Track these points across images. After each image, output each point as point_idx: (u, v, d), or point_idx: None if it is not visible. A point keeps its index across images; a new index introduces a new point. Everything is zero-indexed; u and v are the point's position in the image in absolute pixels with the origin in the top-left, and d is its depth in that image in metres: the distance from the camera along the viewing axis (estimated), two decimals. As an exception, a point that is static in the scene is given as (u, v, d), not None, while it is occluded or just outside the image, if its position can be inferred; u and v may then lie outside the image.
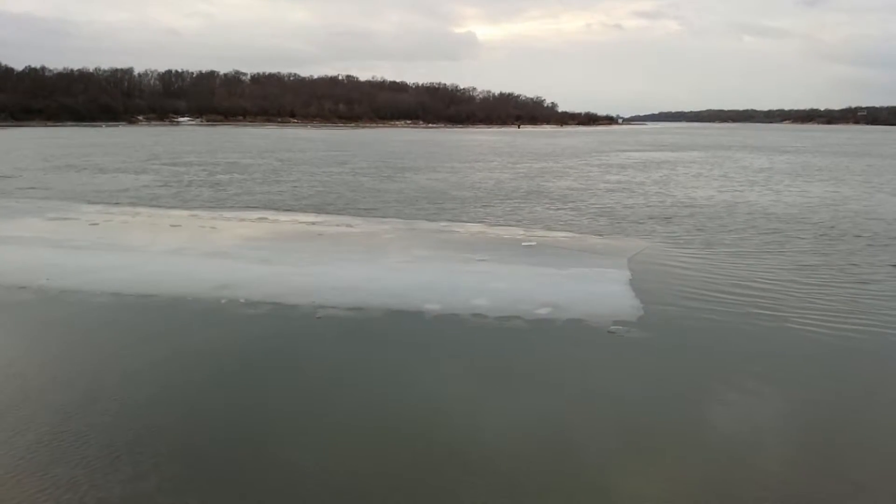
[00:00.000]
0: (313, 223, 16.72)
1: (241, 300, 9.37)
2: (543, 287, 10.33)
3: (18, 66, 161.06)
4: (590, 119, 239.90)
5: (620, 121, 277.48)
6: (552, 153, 53.61)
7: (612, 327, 8.48)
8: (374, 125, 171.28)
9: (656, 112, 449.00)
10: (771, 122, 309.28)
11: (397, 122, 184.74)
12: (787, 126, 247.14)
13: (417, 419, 6.03)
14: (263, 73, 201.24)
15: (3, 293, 9.70)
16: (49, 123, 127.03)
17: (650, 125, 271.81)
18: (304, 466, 5.14)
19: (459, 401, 6.44)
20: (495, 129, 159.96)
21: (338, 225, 16.51)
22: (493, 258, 12.44)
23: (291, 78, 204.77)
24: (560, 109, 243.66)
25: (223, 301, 9.35)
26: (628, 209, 19.98)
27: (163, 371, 6.94)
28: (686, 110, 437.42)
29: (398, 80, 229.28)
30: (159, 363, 7.15)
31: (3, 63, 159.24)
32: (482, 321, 8.69)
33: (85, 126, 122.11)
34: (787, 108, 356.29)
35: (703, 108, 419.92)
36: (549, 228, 16.44)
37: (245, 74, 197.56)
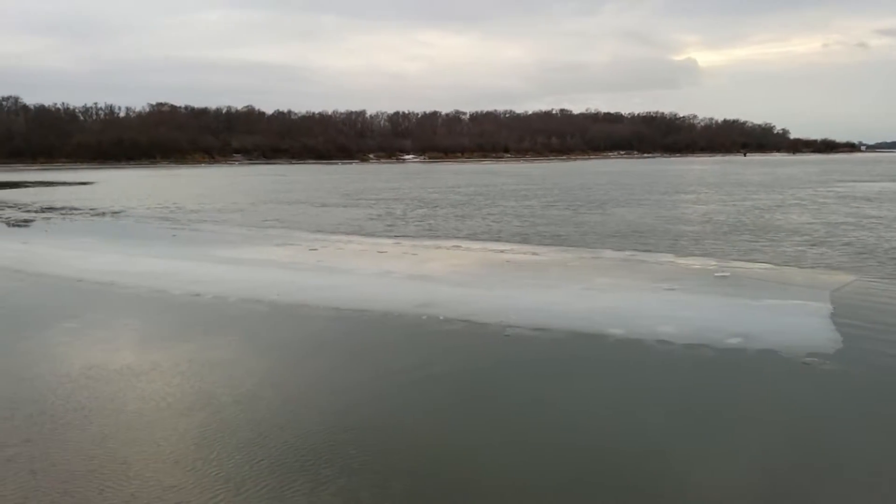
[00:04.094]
0: (502, 251, 17.63)
1: (440, 317, 10.34)
2: (734, 317, 10.17)
3: (269, 110, 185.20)
4: (826, 146, 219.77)
5: (863, 148, 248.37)
6: (767, 183, 50.40)
7: (807, 359, 8.21)
8: (587, 157, 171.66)
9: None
10: None
11: (610, 153, 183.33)
12: None
13: (604, 441, 6.25)
14: (481, 112, 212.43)
15: (242, 305, 11.46)
16: (293, 161, 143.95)
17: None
18: (496, 480, 5.62)
19: (647, 427, 6.59)
20: (717, 158, 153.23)
21: (524, 253, 17.26)
22: (681, 287, 12.38)
23: (507, 115, 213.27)
24: (792, 136, 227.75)
25: (424, 318, 10.38)
26: (840, 243, 18.60)
27: (374, 378, 7.92)
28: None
29: (613, 111, 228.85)
30: (371, 371, 8.19)
31: (257, 108, 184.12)
32: (668, 348, 8.79)
33: (323, 164, 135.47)
34: None
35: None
36: (746, 260, 15.86)
37: (464, 113, 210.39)
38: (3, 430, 6.21)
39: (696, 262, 15.54)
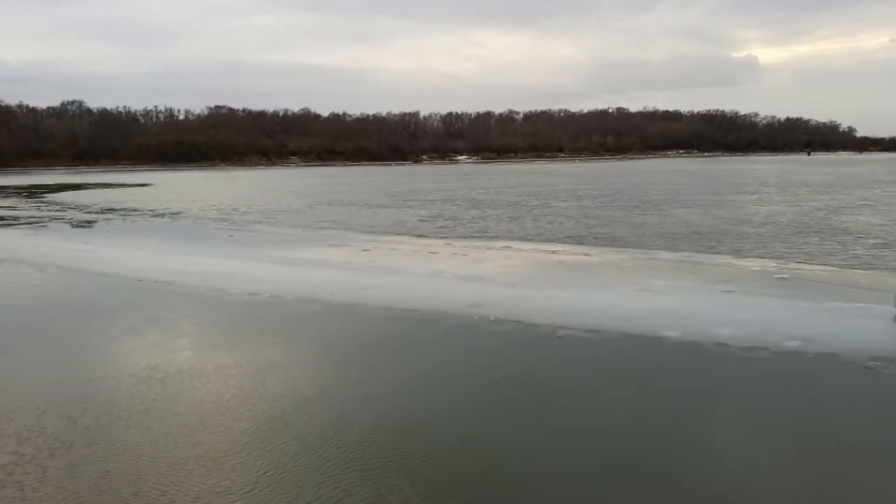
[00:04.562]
0: (553, 252, 17.55)
1: (491, 318, 10.34)
2: (794, 319, 9.89)
3: (324, 113, 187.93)
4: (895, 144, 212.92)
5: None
6: (830, 184, 48.63)
7: (870, 363, 7.94)
8: (644, 156, 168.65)
9: None
10: None
11: (668, 153, 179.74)
12: None
13: (658, 445, 6.16)
14: (535, 111, 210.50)
15: (297, 305, 11.67)
16: (348, 163, 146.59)
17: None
18: (556, 483, 5.65)
19: (702, 431, 6.48)
20: (780, 157, 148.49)
21: (577, 254, 17.13)
22: (739, 289, 12.09)
23: (561, 114, 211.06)
24: (858, 134, 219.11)
25: (475, 318, 10.40)
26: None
27: (427, 379, 8.01)
28: None
29: (671, 108, 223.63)
30: (422, 370, 8.27)
31: (312, 110, 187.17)
32: (725, 350, 8.61)
33: (377, 165, 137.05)
34: None
35: None
36: (808, 262, 15.39)
37: (518, 113, 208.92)
38: (73, 431, 6.45)
39: (755, 264, 15.15)
